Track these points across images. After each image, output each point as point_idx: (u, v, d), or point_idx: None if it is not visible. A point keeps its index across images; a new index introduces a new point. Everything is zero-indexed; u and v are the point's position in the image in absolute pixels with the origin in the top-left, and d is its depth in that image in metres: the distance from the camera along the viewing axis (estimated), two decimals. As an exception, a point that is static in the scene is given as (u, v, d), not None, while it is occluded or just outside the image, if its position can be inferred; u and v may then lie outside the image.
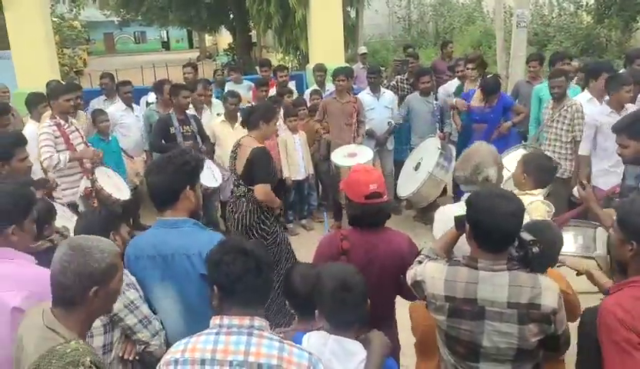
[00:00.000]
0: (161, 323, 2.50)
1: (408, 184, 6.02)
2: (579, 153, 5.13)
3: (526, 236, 2.15)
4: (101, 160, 5.27)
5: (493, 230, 2.08)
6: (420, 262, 2.38)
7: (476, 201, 2.17)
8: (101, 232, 2.40)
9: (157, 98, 6.77)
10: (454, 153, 5.81)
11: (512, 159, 4.91)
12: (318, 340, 2.07)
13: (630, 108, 4.93)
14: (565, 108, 5.28)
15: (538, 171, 3.21)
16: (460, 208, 2.73)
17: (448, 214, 2.79)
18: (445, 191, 6.30)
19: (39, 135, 4.95)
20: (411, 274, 2.36)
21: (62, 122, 5.03)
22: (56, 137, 4.93)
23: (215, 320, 1.86)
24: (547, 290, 2.10)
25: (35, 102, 5.82)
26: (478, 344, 2.16)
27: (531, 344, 2.11)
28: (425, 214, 6.30)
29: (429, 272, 2.25)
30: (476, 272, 2.14)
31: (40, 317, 1.83)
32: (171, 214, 2.49)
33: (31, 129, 5.42)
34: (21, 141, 3.78)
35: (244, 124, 4.53)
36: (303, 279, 2.38)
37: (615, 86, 4.88)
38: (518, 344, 2.11)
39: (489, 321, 2.12)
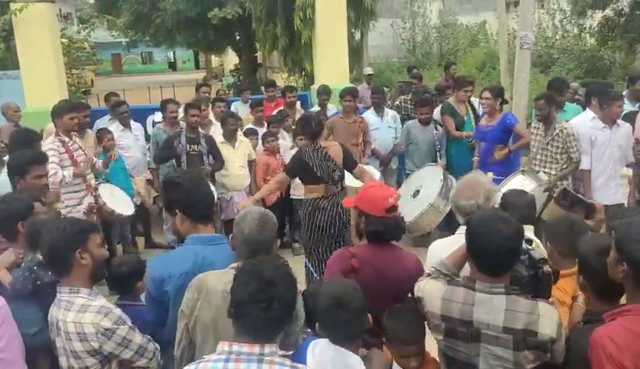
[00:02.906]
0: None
1: (404, 210, 5.83)
2: (581, 168, 5.29)
3: (536, 255, 2.13)
4: (105, 170, 5.41)
5: (491, 253, 2.06)
6: (429, 275, 2.37)
7: (475, 223, 2.16)
8: (65, 250, 2.33)
9: (163, 117, 6.84)
10: (454, 184, 5.75)
11: (513, 186, 4.92)
12: (321, 348, 2.09)
13: (621, 124, 5.08)
14: (557, 132, 5.33)
15: (514, 209, 3.02)
16: (451, 242, 2.68)
17: (439, 249, 2.71)
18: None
19: (46, 151, 5.04)
20: (415, 289, 2.36)
21: (66, 140, 5.14)
22: (61, 153, 5.04)
23: (224, 347, 1.82)
24: (545, 318, 2.05)
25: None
26: (474, 366, 2.14)
27: None
28: (423, 237, 6.25)
29: (428, 290, 2.25)
30: (473, 294, 2.12)
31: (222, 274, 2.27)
32: (211, 226, 2.59)
33: None
34: (38, 160, 3.86)
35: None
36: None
37: (607, 101, 5.10)
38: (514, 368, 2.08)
39: (485, 344, 2.09)
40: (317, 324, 2.17)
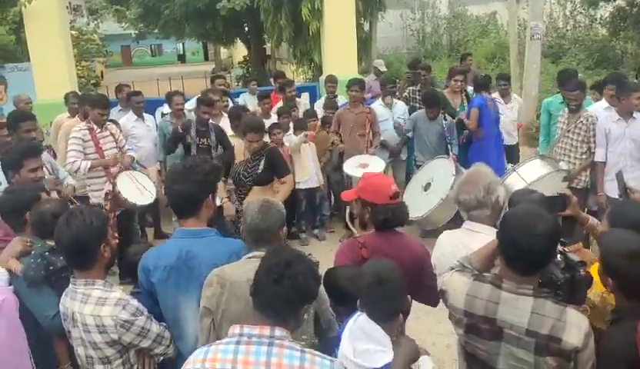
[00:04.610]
0: (180, 326, 2.51)
1: (416, 204, 5.74)
2: (595, 159, 5.24)
3: (574, 257, 2.05)
4: (130, 163, 5.49)
5: (521, 250, 1.97)
6: (452, 268, 2.31)
7: (510, 218, 2.08)
8: (93, 244, 2.33)
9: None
10: None
11: (529, 169, 4.89)
12: (361, 319, 2.18)
13: (638, 117, 5.00)
14: (581, 120, 5.30)
15: None
16: (459, 236, 2.68)
17: (447, 241, 2.71)
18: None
19: (70, 138, 5.23)
20: (439, 281, 2.33)
21: (95, 127, 5.28)
22: (85, 141, 5.19)
23: (235, 329, 1.85)
24: (572, 326, 1.96)
25: None
26: (492, 366, 2.10)
27: None
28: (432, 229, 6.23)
29: (452, 284, 2.20)
30: (499, 292, 2.05)
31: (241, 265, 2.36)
32: (193, 223, 2.52)
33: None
34: (32, 153, 3.80)
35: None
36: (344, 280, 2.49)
37: (625, 93, 4.97)
38: None
39: (506, 344, 2.04)
40: (358, 301, 2.26)
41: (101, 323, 2.30)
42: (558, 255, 2.07)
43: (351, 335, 2.16)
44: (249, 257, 2.38)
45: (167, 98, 6.81)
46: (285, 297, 1.83)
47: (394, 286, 2.17)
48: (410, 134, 6.68)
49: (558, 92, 6.21)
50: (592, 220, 2.74)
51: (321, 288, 2.44)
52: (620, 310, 2.15)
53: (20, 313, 2.60)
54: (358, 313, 2.24)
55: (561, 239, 2.11)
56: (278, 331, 1.82)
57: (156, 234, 6.85)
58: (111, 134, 5.44)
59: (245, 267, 2.30)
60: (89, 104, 5.47)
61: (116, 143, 5.46)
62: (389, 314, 2.19)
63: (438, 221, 5.67)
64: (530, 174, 4.74)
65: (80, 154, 5.11)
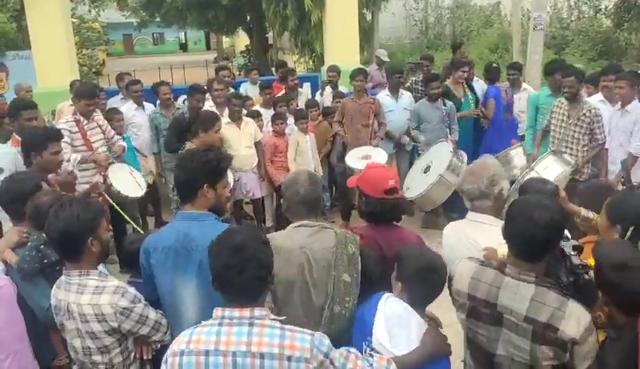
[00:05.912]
0: (177, 311, 2.52)
1: (415, 186, 5.75)
2: (606, 146, 5.30)
3: (575, 261, 2.05)
4: (121, 154, 5.44)
5: (524, 238, 2.00)
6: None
7: (516, 206, 2.10)
8: (79, 237, 2.33)
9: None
10: (465, 158, 5.68)
11: (544, 167, 4.89)
12: (393, 303, 2.24)
13: (631, 109, 5.09)
14: (584, 112, 5.28)
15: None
16: (463, 227, 2.69)
17: (453, 234, 2.71)
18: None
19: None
20: (450, 272, 2.39)
21: (82, 119, 5.18)
22: (73, 133, 5.08)
23: (217, 312, 1.92)
24: (571, 317, 1.95)
25: None
26: (491, 353, 2.12)
27: (543, 367, 2.00)
28: (433, 219, 6.26)
29: (459, 269, 2.25)
30: (502, 277, 2.08)
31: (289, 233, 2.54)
32: (190, 207, 2.55)
33: None
34: (54, 136, 3.92)
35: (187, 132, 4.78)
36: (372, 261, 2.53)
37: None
38: (530, 362, 2.03)
39: (506, 330, 2.06)
40: (400, 285, 2.30)
41: (101, 311, 2.30)
42: (564, 258, 2.08)
43: (387, 322, 2.18)
44: (296, 226, 2.49)
45: (153, 90, 6.71)
46: (256, 278, 1.90)
47: (443, 275, 2.30)
48: (414, 131, 6.54)
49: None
50: (585, 212, 2.76)
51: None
52: (617, 326, 2.08)
53: None
54: (387, 295, 2.27)
55: (568, 236, 2.12)
56: (258, 311, 1.89)
57: (157, 223, 6.86)
58: (98, 126, 5.34)
59: (296, 236, 2.46)
60: (75, 94, 5.36)
61: (104, 134, 5.38)
62: (429, 301, 2.29)
63: (436, 200, 5.60)
64: (548, 172, 4.77)
65: (67, 146, 5.04)
